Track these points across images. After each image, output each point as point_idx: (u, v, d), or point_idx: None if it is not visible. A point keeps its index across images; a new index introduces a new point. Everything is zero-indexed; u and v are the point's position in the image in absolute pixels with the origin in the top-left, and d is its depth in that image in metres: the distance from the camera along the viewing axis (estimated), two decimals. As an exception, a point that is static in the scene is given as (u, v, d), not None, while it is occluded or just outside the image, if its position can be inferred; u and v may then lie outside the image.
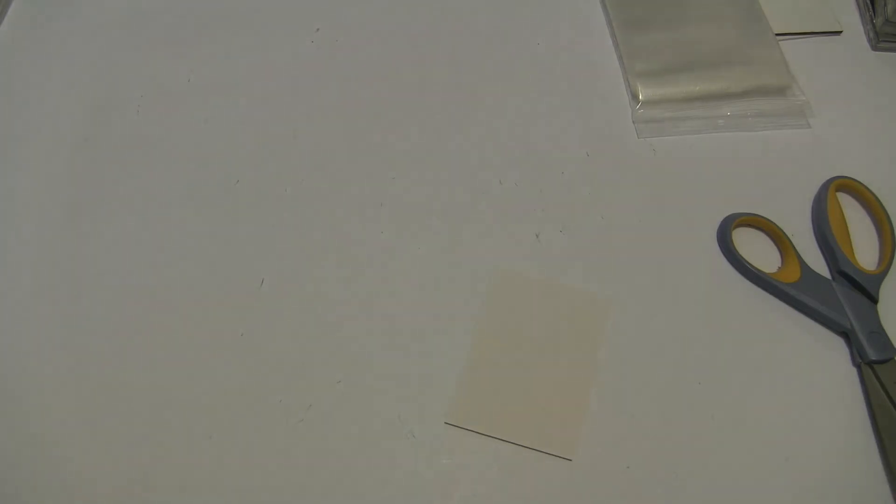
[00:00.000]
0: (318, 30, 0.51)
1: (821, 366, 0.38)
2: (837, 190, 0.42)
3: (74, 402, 0.38)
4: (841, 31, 0.49)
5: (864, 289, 0.38)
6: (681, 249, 0.41)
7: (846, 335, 0.38)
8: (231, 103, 0.47)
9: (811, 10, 0.49)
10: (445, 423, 0.37)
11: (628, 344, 0.38)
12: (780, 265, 0.41)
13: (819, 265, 0.40)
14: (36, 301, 0.41)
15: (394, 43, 0.50)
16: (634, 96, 0.46)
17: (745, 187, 0.43)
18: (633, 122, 0.46)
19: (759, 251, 0.41)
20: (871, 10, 0.49)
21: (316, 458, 0.36)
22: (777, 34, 0.47)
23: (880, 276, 0.39)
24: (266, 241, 0.42)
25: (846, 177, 0.42)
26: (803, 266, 0.39)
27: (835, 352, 0.38)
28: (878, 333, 0.37)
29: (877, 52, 0.48)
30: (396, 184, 0.44)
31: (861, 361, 0.37)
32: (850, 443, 0.36)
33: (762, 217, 0.41)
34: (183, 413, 0.37)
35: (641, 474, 0.35)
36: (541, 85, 0.47)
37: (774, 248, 0.41)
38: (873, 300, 0.38)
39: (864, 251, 0.40)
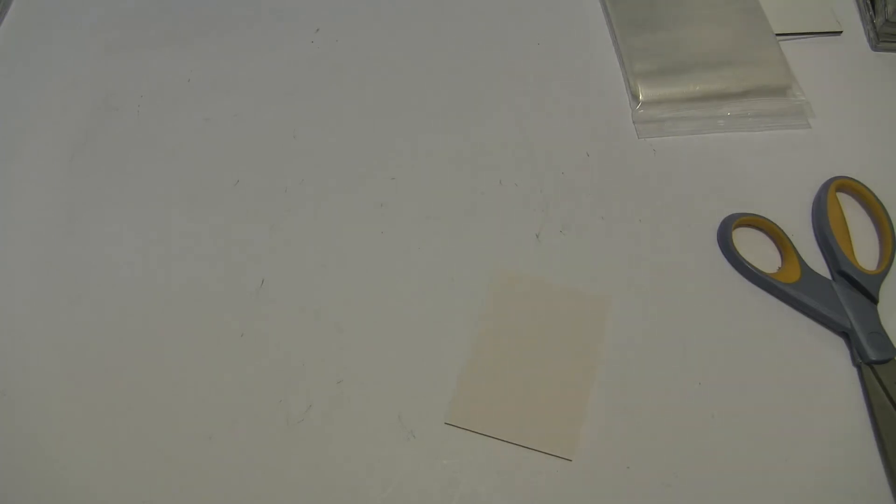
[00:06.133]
0: (318, 30, 0.51)
1: (821, 366, 0.38)
2: (837, 190, 0.42)
3: (73, 402, 0.38)
4: (841, 31, 0.49)
5: (864, 289, 0.38)
6: (681, 249, 0.41)
7: (846, 335, 0.38)
8: (231, 103, 0.47)
9: (811, 10, 0.49)
10: (445, 423, 0.37)
11: (628, 344, 0.38)
12: (780, 265, 0.41)
13: (819, 265, 0.40)
14: (35, 301, 0.41)
15: (393, 43, 0.50)
16: (634, 96, 0.46)
17: (745, 187, 0.43)
18: (633, 122, 0.46)
19: (759, 251, 0.41)
20: (871, 10, 0.49)
21: (316, 459, 0.36)
22: (777, 34, 0.47)
23: (880, 276, 0.39)
24: (266, 241, 0.42)
25: (846, 177, 0.42)
26: (803, 266, 0.39)
27: (835, 352, 0.38)
28: (878, 333, 0.37)
29: (877, 52, 0.48)
30: (396, 184, 0.44)
31: (861, 361, 0.37)
32: (850, 443, 0.36)
33: (762, 217, 0.41)
34: (183, 413, 0.37)
35: (641, 474, 0.35)
36: (541, 85, 0.47)
37: (774, 248, 0.41)
38: (873, 300, 0.38)
39: (864, 251, 0.40)
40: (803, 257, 0.40)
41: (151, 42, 0.51)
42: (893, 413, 0.35)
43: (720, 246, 0.41)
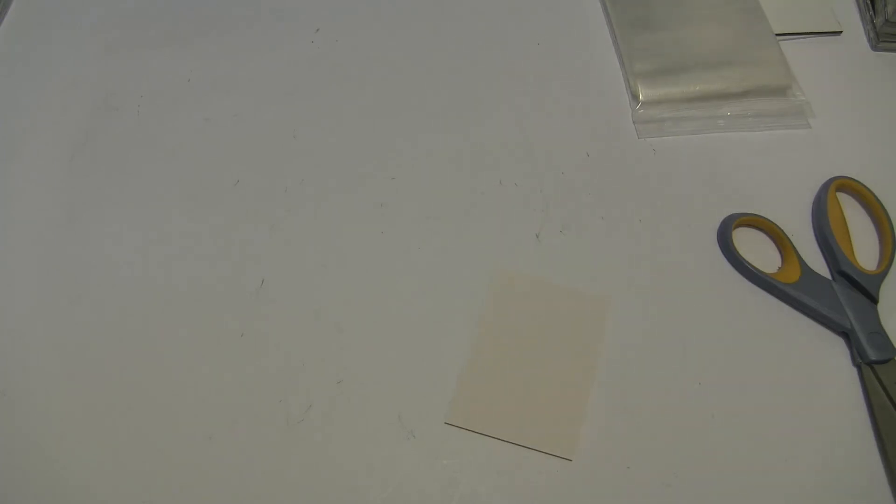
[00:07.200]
0: (318, 30, 0.51)
1: (821, 366, 0.38)
2: (837, 190, 0.42)
3: (73, 402, 0.38)
4: (841, 31, 0.49)
5: (864, 289, 0.38)
6: (681, 249, 0.41)
7: (846, 335, 0.38)
8: (231, 103, 0.47)
9: (811, 10, 0.49)
10: (445, 423, 0.37)
11: (628, 344, 0.38)
12: (780, 265, 0.41)
13: (819, 265, 0.40)
14: (35, 301, 0.41)
15: (393, 43, 0.50)
16: (634, 96, 0.46)
17: (745, 187, 0.43)
18: (633, 122, 0.46)
19: (759, 251, 0.41)
20: (871, 10, 0.49)
21: (316, 459, 0.36)
22: (777, 34, 0.47)
23: (880, 276, 0.39)
24: (266, 241, 0.42)
25: (846, 177, 0.42)
26: (803, 266, 0.39)
27: (835, 352, 0.38)
28: (878, 333, 0.37)
29: (877, 52, 0.48)
30: (396, 184, 0.44)
31: (861, 361, 0.37)
32: (850, 443, 0.36)
33: (762, 217, 0.41)
34: (183, 413, 0.37)
35: (641, 474, 0.35)
36: (541, 85, 0.47)
37: (774, 248, 0.41)
38: (873, 300, 0.38)
39: (864, 251, 0.40)
40: (803, 257, 0.40)
41: (151, 42, 0.51)
42: (893, 413, 0.35)
43: (720, 246, 0.41)
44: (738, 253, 0.40)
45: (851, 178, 0.42)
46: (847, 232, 0.40)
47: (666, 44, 0.47)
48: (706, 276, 0.40)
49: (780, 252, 0.41)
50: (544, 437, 0.36)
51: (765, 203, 0.42)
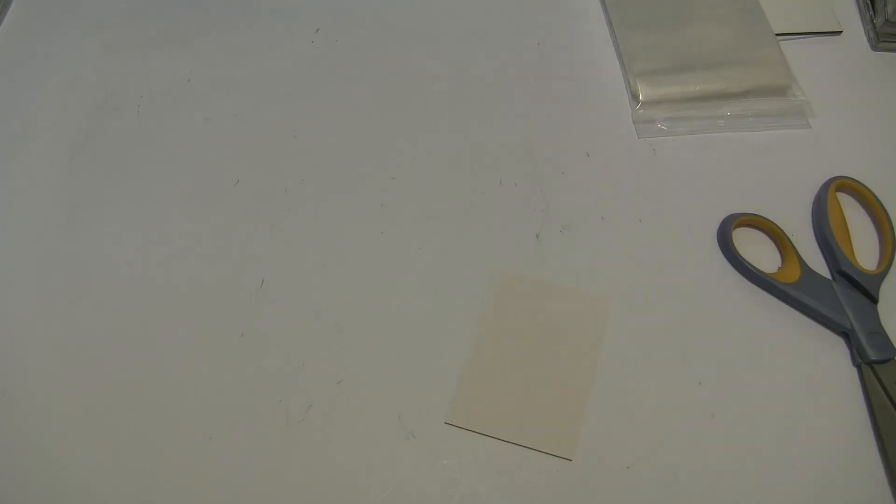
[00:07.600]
0: (318, 30, 0.51)
1: (821, 366, 0.38)
2: (837, 190, 0.42)
3: (73, 402, 0.38)
4: (841, 31, 0.49)
5: (864, 289, 0.38)
6: (681, 249, 0.41)
7: (846, 335, 0.38)
8: (231, 103, 0.47)
9: (811, 10, 0.49)
10: (445, 423, 0.37)
11: (628, 344, 0.38)
12: (780, 265, 0.41)
13: (819, 265, 0.40)
14: (35, 301, 0.41)
15: (393, 43, 0.50)
16: (634, 96, 0.46)
17: (745, 187, 0.43)
18: (633, 122, 0.46)
19: (759, 251, 0.41)
20: (871, 10, 0.49)
21: (316, 459, 0.36)
22: (777, 34, 0.47)
23: (880, 276, 0.39)
24: (266, 241, 0.42)
25: (846, 177, 0.42)
26: (803, 266, 0.39)
27: (835, 352, 0.38)
28: (878, 333, 0.37)
29: (877, 52, 0.48)
30: (396, 184, 0.44)
31: (861, 361, 0.37)
32: (850, 443, 0.36)
33: (762, 217, 0.41)
34: (183, 413, 0.37)
35: (641, 474, 0.35)
36: (541, 85, 0.47)
37: (774, 248, 0.41)
38: (873, 300, 0.38)
39: (864, 251, 0.40)
40: (803, 257, 0.40)
41: (151, 42, 0.51)
42: (893, 413, 0.35)
43: (720, 246, 0.41)
44: (738, 253, 0.40)
45: (851, 178, 0.42)
46: (847, 232, 0.40)
47: (666, 44, 0.47)
48: (706, 276, 0.40)
49: (780, 252, 0.41)
50: (544, 437, 0.36)
51: (765, 203, 0.42)
